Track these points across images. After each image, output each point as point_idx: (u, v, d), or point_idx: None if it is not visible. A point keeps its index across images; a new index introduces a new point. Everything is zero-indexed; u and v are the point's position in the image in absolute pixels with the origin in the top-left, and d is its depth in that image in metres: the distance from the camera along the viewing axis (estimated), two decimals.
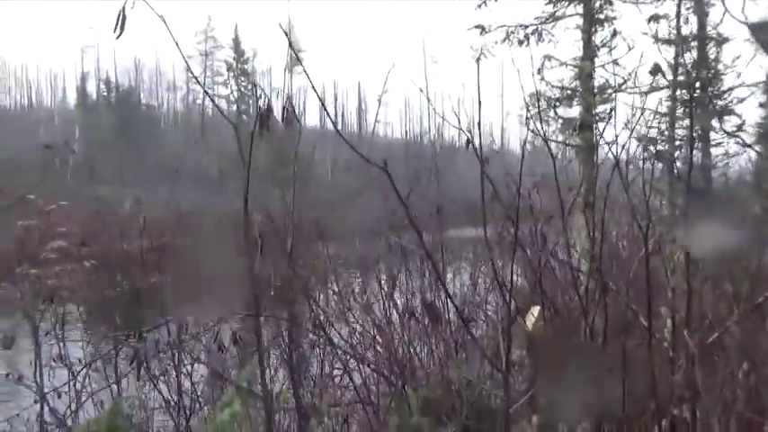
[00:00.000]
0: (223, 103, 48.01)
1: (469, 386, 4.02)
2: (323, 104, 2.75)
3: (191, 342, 3.31)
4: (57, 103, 51.78)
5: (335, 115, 54.48)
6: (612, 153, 3.44)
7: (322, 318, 4.28)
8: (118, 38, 1.96)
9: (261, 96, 2.15)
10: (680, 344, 2.73)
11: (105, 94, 47.31)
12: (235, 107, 47.60)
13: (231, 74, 50.05)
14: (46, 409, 3.29)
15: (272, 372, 3.69)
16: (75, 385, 3.36)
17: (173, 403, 3.32)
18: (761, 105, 11.30)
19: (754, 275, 3.00)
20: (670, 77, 7.75)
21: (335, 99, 55.57)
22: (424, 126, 53.40)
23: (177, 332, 3.16)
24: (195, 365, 3.31)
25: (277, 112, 2.47)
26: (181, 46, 2.33)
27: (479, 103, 2.26)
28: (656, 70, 3.63)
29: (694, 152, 10.00)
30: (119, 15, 1.94)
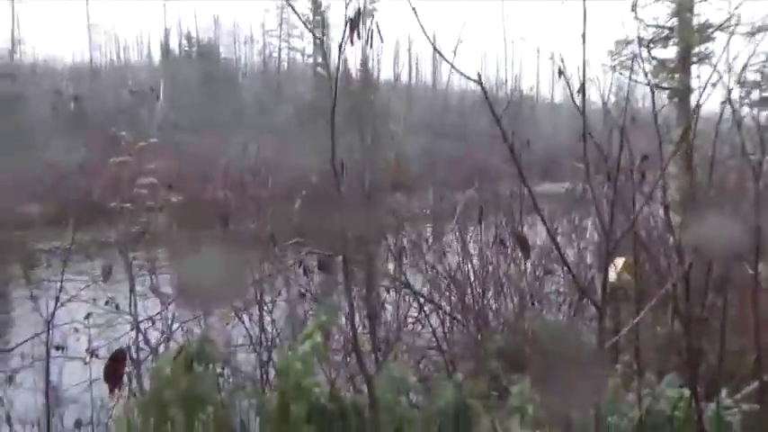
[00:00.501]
0: (299, 57, 48.29)
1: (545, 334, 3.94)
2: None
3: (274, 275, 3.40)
4: (142, 58, 53.98)
5: (410, 69, 53.52)
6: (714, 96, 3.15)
7: (398, 263, 4.30)
8: None
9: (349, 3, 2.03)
10: None
11: (187, 49, 48.78)
12: (311, 60, 47.77)
13: (308, 26, 50.00)
14: (140, 336, 3.52)
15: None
16: (166, 315, 3.57)
17: (254, 338, 3.46)
18: None
19: None
20: None
21: (409, 52, 54.54)
22: (500, 77, 51.63)
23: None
24: (276, 302, 3.43)
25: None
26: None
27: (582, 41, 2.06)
28: None
29: None
30: None
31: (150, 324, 3.54)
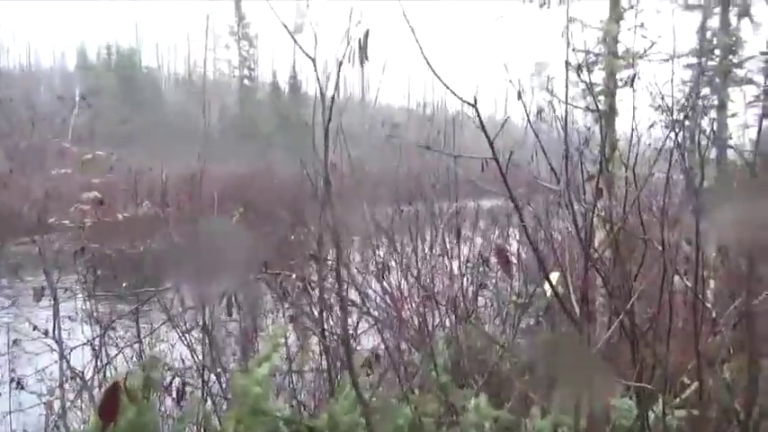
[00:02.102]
0: (225, 67, 47.35)
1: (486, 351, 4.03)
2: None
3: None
4: (56, 63, 51.07)
5: (337, 83, 53.75)
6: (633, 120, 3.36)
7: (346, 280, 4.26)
8: None
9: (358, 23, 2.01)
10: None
11: (106, 56, 46.66)
12: (236, 71, 46.97)
13: (233, 37, 49.21)
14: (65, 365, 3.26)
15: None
16: (99, 341, 3.33)
17: (199, 362, 3.31)
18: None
19: None
20: (698, 43, 7.63)
21: (339, 66, 54.76)
22: (427, 95, 52.83)
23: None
24: (224, 323, 3.29)
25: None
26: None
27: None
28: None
29: (711, 123, 9.88)
30: None
31: (85, 349, 3.30)
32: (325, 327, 3.35)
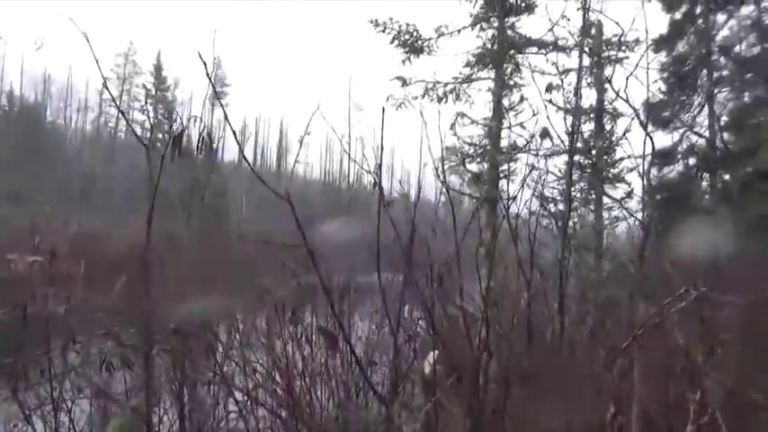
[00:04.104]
0: (138, 129, 46.13)
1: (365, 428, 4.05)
2: (237, 140, 2.78)
3: (76, 372, 3.12)
4: None
5: (255, 151, 53.90)
6: (507, 208, 3.75)
7: (219, 354, 4.19)
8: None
9: (176, 120, 2.18)
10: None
11: (7, 108, 44.27)
12: (149, 134, 45.89)
13: (150, 100, 48.50)
14: None
15: (164, 409, 3.54)
16: None
17: None
18: (640, 176, 12.48)
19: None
20: (568, 143, 8.55)
21: (256, 135, 55.09)
22: (343, 169, 53.91)
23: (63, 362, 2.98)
24: (75, 401, 3.11)
25: (195, 140, 2.50)
26: (99, 66, 2.34)
27: (381, 148, 2.42)
28: (544, 134, 4.04)
29: (589, 214, 10.86)
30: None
31: None
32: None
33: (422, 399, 4.22)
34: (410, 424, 3.87)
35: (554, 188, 9.94)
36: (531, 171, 3.94)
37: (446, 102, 10.02)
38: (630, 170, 10.99)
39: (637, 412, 3.00)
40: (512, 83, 9.95)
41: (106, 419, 3.13)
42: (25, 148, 37.20)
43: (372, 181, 2.59)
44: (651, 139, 5.04)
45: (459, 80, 10.22)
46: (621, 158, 11.07)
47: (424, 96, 10.14)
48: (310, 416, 4.41)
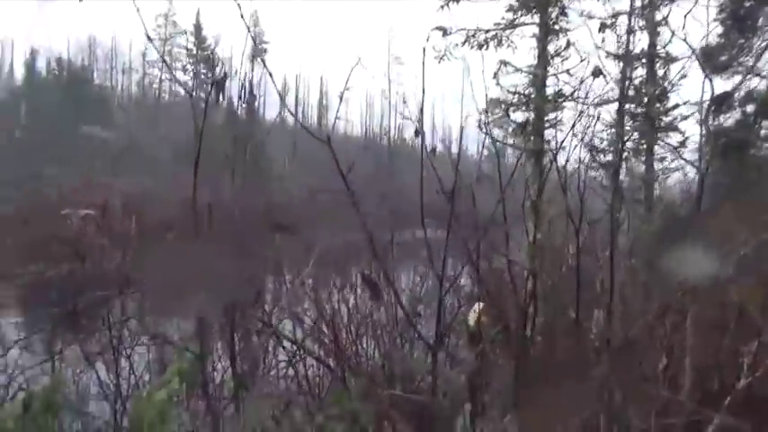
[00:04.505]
0: (181, 89, 46.85)
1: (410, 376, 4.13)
2: (281, 96, 2.76)
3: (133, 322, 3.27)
4: (2, 76, 49.39)
5: (296, 109, 53.97)
6: (554, 158, 3.62)
7: (270, 308, 4.31)
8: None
9: (218, 64, 2.16)
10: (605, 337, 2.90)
11: (56, 72, 45.42)
12: (192, 85, 46.48)
13: (190, 60, 48.90)
14: None
15: (218, 357, 3.68)
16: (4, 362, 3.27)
17: (111, 386, 3.27)
18: (699, 123, 11.87)
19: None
20: (618, 91, 8.17)
21: (297, 93, 55.06)
22: (384, 125, 53.48)
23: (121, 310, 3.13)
24: (134, 348, 3.28)
25: (235, 94, 2.49)
26: (141, 28, 2.34)
27: (423, 91, 2.35)
28: (596, 72, 3.83)
29: (639, 165, 10.48)
30: None
31: None
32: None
33: (467, 350, 4.25)
34: (456, 374, 3.92)
35: (603, 138, 9.62)
36: (579, 118, 3.76)
37: (487, 49, 9.69)
38: (685, 118, 10.49)
39: (689, 364, 2.95)
40: (557, 27, 9.51)
41: (164, 365, 3.28)
42: (75, 110, 38.30)
43: (414, 131, 2.53)
44: (711, 81, 4.74)
45: (502, 26, 9.84)
46: (675, 105, 10.55)
47: (464, 44, 9.82)
48: (357, 365, 4.52)
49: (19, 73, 47.75)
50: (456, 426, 2.86)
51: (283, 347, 3.90)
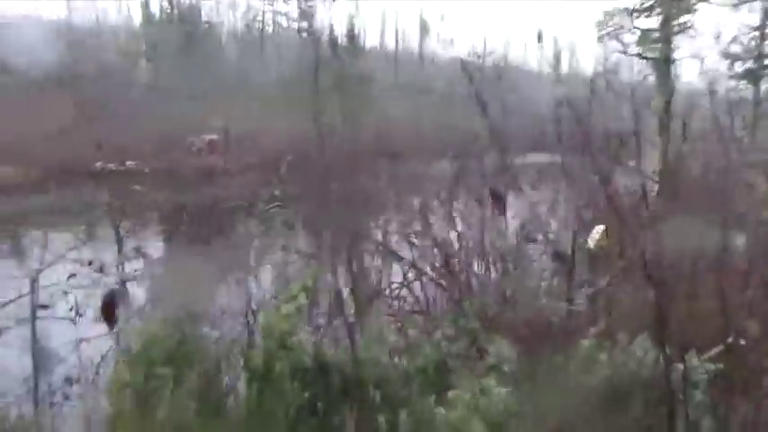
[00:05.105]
0: (284, 21, 47.24)
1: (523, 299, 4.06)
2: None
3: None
4: (122, 20, 52.50)
5: (396, 37, 52.79)
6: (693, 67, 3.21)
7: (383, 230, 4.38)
8: None
9: None
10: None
11: (168, 12, 47.52)
12: (296, 25, 46.81)
13: None
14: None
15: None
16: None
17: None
18: None
19: None
20: None
21: (396, 20, 53.85)
22: (488, 46, 51.06)
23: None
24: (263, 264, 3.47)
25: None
26: None
27: None
28: None
29: None
30: None
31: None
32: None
33: (587, 273, 4.09)
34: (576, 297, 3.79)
35: (742, 44, 8.43)
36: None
37: None
38: None
39: None
40: None
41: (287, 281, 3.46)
42: (186, 46, 39.99)
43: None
44: None
45: None
46: None
47: None
48: (468, 287, 4.51)
49: (135, 15, 50.37)
50: (581, 348, 2.77)
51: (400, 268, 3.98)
